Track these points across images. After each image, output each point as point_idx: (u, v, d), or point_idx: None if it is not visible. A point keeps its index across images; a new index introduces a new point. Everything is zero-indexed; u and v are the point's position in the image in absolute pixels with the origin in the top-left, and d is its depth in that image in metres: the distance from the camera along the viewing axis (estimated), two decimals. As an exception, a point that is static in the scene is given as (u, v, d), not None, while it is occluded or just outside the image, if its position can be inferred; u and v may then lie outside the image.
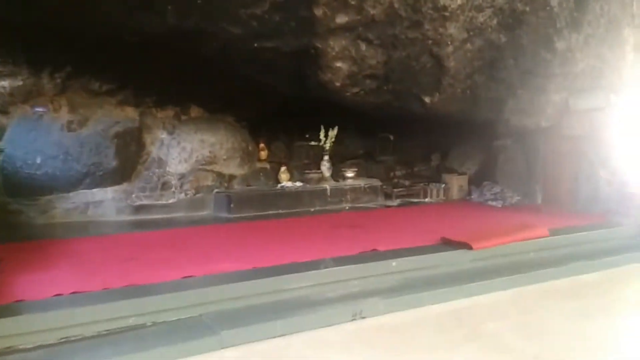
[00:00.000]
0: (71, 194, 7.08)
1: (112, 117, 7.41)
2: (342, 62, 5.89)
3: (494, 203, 8.20)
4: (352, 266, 4.72)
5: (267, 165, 8.60)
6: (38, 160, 6.92)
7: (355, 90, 6.41)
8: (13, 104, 7.03)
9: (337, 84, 6.14)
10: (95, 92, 7.18)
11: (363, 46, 5.89)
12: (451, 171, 9.50)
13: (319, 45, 5.73)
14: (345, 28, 5.66)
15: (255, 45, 5.61)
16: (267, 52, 5.81)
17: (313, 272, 4.52)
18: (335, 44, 5.75)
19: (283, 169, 8.44)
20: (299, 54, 5.87)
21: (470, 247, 5.28)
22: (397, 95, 6.73)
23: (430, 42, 5.94)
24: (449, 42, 5.93)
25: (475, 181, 9.05)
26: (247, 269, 4.57)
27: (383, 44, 5.92)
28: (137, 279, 4.25)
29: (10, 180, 6.90)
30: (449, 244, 5.44)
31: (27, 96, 6.95)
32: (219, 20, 5.28)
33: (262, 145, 8.73)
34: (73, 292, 3.92)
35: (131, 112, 7.59)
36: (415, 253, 5.15)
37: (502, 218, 6.97)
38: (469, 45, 6.11)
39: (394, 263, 4.89)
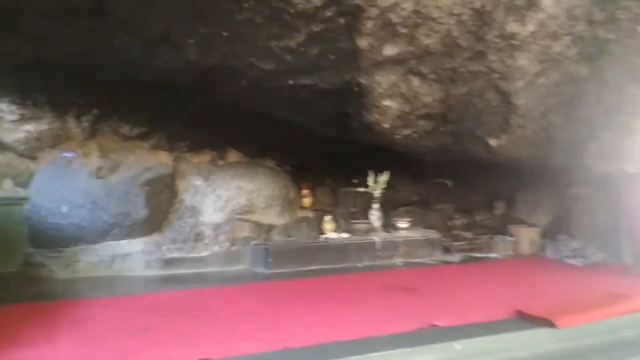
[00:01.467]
0: (97, 246, 6.55)
1: (144, 162, 6.91)
2: (391, 100, 5.08)
3: (572, 261, 7.04)
4: (407, 350, 3.80)
5: (310, 214, 7.83)
6: (64, 210, 6.46)
7: (407, 132, 5.58)
8: (41, 149, 6.67)
9: (386, 125, 5.34)
10: (126, 136, 6.72)
11: (416, 81, 5.07)
12: (519, 222, 8.40)
13: (364, 82, 4.97)
14: (395, 61, 4.89)
15: (290, 82, 4.92)
16: (303, 90, 5.10)
17: (357, 357, 3.64)
18: (383, 80, 4.97)
19: (328, 218, 7.63)
20: (340, 91, 5.14)
21: (553, 324, 4.28)
22: (457, 138, 5.83)
23: (496, 75, 5.06)
24: (519, 76, 5.04)
25: (548, 234, 7.92)
26: (277, 349, 3.75)
27: (440, 78, 5.09)
28: (141, 360, 3.52)
29: (35, 230, 6.49)
30: (526, 319, 4.45)
31: (55, 141, 6.58)
32: (247, 55, 4.64)
33: (305, 191, 8.00)
34: (60, 381, 3.24)
35: (165, 157, 7.08)
36: (485, 331, 4.18)
37: (587, 281, 5.85)
38: (542, 79, 5.20)
39: (458, 346, 3.95)
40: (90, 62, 4.77)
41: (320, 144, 7.72)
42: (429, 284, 5.90)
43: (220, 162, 7.44)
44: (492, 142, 5.65)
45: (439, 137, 5.80)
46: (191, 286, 5.94)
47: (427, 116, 5.52)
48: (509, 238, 7.97)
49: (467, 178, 9.03)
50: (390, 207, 9.12)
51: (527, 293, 5.39)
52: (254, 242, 6.97)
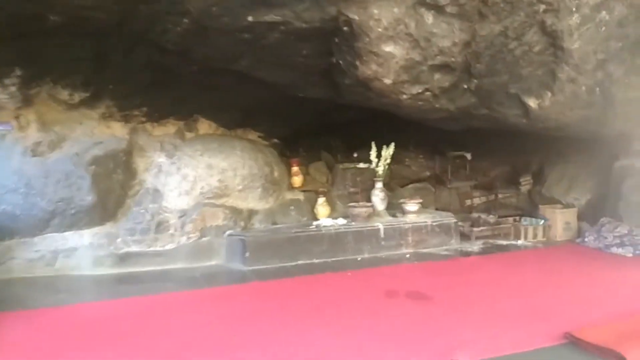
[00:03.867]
0: (36, 239, 5.37)
1: (93, 136, 5.64)
2: (394, 44, 3.67)
3: (620, 250, 5.71)
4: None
5: (301, 196, 6.52)
6: (-6, 195, 5.25)
7: (417, 90, 4.15)
8: (-35, 122, 5.39)
9: (387, 80, 3.94)
10: (68, 103, 5.41)
11: (429, 17, 3.66)
12: (551, 201, 7.05)
13: (355, 17, 3.58)
14: (400, -13, 3.49)
15: (250, 19, 3.54)
16: (271, 31, 3.71)
17: None
18: (383, 15, 3.57)
19: (321, 200, 6.34)
20: (324, 33, 3.76)
21: (621, 357, 3.03)
22: (484, 98, 4.41)
23: (542, 7, 3.65)
24: (574, 9, 3.62)
25: (588, 217, 6.57)
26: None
27: (463, 12, 3.67)
28: None
29: (-38, 220, 5.27)
30: (580, 347, 3.23)
31: (-19, 111, 5.29)
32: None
33: (295, 168, 6.70)
34: None
35: (119, 129, 5.78)
36: (527, 371, 2.95)
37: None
38: (604, 15, 3.77)
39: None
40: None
41: (313, 110, 6.43)
42: (444, 287, 4.61)
43: (189, 135, 6.13)
44: (532, 103, 4.20)
45: (460, 97, 4.35)
46: (147, 289, 4.80)
47: (444, 67, 4.08)
48: (539, 221, 6.63)
49: (487, 148, 7.67)
50: (397, 185, 7.84)
51: (573, 301, 4.15)
52: (229, 232, 5.72)
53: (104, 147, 5.55)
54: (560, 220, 6.55)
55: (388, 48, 3.72)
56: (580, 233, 6.49)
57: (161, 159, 5.88)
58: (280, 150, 7.09)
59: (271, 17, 3.56)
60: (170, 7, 3.44)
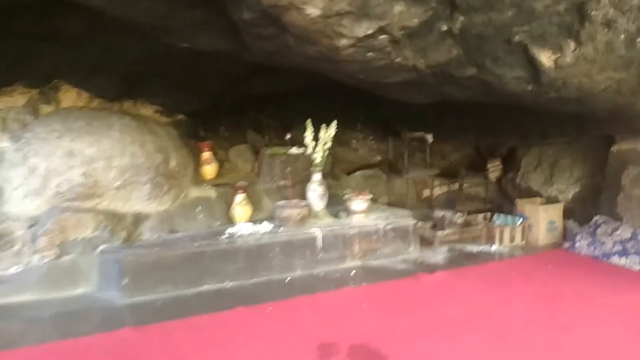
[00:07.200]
0: None
1: None
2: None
3: (624, 261, 4.45)
4: None
5: (212, 193, 4.89)
6: None
7: (364, 31, 2.40)
8: None
9: (312, 10, 2.21)
10: None
11: None
12: (528, 193, 5.73)
13: None
14: None
15: None
16: None
17: None
18: None
19: (239, 198, 4.72)
20: None
21: None
22: (473, 50, 2.74)
23: None
24: None
25: (577, 214, 5.29)
26: None
27: None
28: None
29: None
30: None
31: None
32: None
33: (206, 154, 5.06)
34: None
35: (-64, 100, 3.97)
36: None
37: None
38: None
39: None
40: None
41: (228, 74, 4.82)
42: (405, 334, 3.15)
43: (47, 109, 4.33)
44: (546, 58, 2.64)
45: (436, 45, 2.66)
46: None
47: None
48: (516, 220, 5.29)
49: (446, 126, 6.26)
50: (342, 171, 6.34)
51: (594, 351, 2.80)
52: (102, 247, 4.04)
53: None
54: (542, 219, 5.21)
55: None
56: (567, 235, 5.21)
57: (4, 143, 4.10)
58: (190, 129, 5.44)
59: None
60: None
